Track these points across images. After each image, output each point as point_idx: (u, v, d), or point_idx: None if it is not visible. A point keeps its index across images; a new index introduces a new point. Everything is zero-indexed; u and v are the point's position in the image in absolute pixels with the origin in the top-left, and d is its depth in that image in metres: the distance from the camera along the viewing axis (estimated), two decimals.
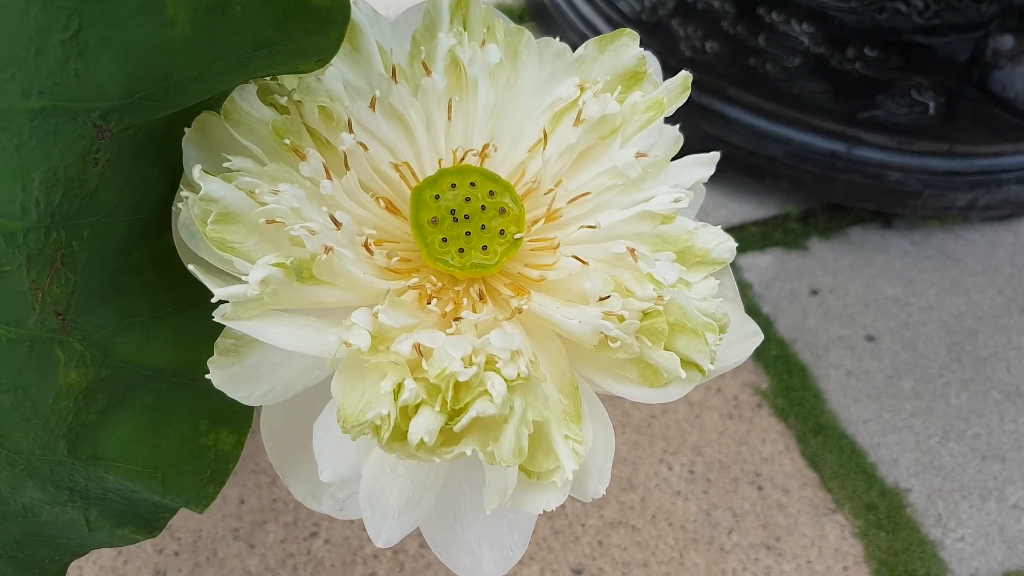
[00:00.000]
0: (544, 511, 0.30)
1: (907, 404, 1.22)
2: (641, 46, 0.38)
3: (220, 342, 0.31)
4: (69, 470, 0.32)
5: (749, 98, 1.24)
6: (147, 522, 0.36)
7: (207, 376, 0.31)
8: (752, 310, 1.26)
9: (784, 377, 1.22)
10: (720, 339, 0.32)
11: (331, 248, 0.29)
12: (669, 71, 0.37)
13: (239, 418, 0.35)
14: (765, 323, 1.26)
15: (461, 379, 0.27)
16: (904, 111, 1.24)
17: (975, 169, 1.25)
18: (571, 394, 0.32)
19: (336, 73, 0.33)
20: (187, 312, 0.33)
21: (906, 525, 1.11)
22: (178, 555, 1.02)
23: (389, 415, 0.27)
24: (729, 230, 1.35)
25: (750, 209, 1.36)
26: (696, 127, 1.24)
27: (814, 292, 1.31)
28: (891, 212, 1.34)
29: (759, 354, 1.23)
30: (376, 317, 0.29)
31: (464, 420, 0.27)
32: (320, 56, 0.29)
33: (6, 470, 0.32)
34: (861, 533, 1.10)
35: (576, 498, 0.32)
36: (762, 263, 1.32)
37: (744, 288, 1.29)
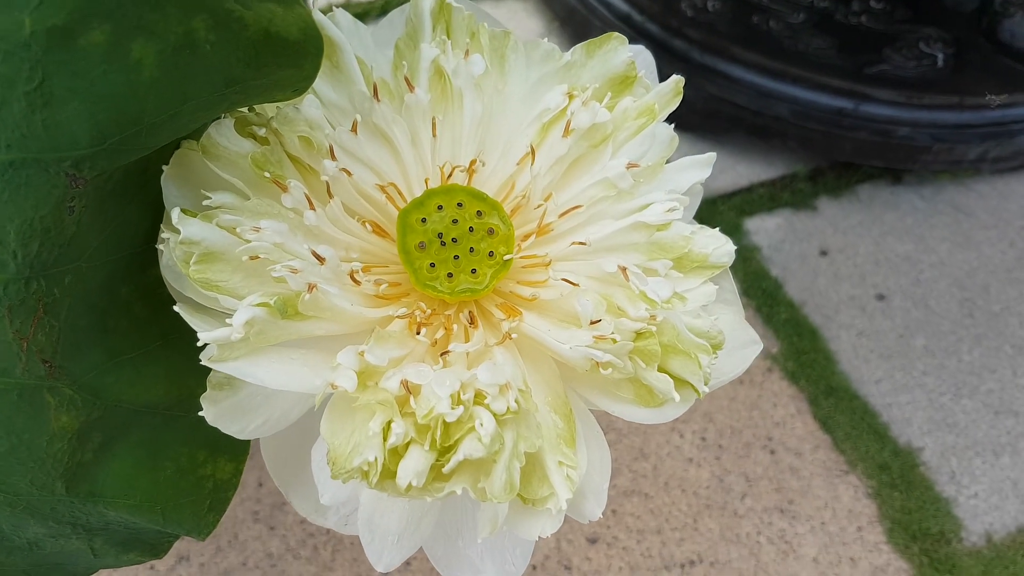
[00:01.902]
0: (540, 537, 0.30)
1: (919, 362, 1.22)
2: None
3: (212, 376, 0.31)
4: (69, 508, 0.32)
5: (753, 57, 1.22)
6: (152, 546, 0.37)
7: (200, 413, 0.31)
8: (761, 273, 1.26)
9: (794, 340, 1.21)
10: (714, 360, 0.31)
11: (315, 285, 0.29)
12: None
13: (237, 446, 0.35)
14: (774, 286, 1.26)
15: (449, 420, 0.27)
16: (912, 64, 1.22)
17: (986, 121, 1.23)
18: (565, 415, 0.32)
19: (314, 100, 0.32)
20: (177, 345, 0.33)
21: (919, 483, 1.12)
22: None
23: (376, 460, 0.27)
24: (736, 192, 1.33)
25: (757, 170, 1.34)
26: (700, 88, 1.22)
27: (823, 253, 1.30)
28: (900, 168, 1.32)
29: (769, 318, 1.23)
30: (362, 356, 0.28)
31: (452, 463, 0.27)
32: (296, 87, 0.29)
33: (6, 511, 0.32)
34: (874, 493, 1.10)
35: (574, 518, 0.32)
36: (770, 225, 1.31)
37: (752, 251, 1.28)
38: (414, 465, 0.27)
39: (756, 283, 1.25)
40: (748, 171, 1.34)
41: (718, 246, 0.36)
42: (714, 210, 1.30)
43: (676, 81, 0.36)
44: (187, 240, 0.29)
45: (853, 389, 1.18)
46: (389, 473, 0.27)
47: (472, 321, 0.32)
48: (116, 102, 0.25)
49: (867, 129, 1.23)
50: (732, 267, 0.36)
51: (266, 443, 0.36)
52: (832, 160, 1.32)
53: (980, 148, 1.26)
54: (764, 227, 1.30)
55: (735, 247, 0.36)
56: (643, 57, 0.40)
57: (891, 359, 1.21)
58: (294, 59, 0.27)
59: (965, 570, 1.04)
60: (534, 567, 1.00)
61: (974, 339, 1.23)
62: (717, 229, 0.37)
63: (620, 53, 0.36)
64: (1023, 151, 1.29)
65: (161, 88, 0.26)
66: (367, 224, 0.33)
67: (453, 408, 0.27)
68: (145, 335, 0.32)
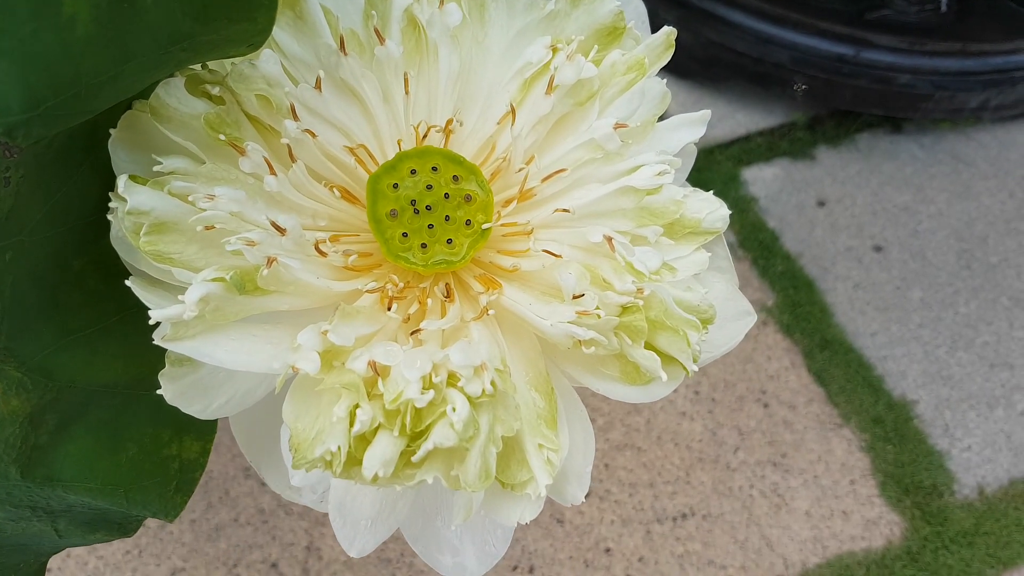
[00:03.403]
0: (519, 523, 0.28)
1: (915, 315, 1.20)
2: None
3: (171, 351, 0.29)
4: (26, 492, 0.31)
5: (753, 2, 1.18)
6: (119, 526, 0.35)
7: (159, 392, 0.29)
8: (758, 225, 1.24)
9: (790, 292, 1.20)
10: (704, 336, 0.29)
11: (275, 259, 0.27)
12: None
13: (204, 423, 0.33)
14: (771, 237, 1.24)
15: (419, 405, 0.25)
16: (915, 9, 1.18)
17: (988, 68, 1.19)
18: (546, 393, 0.30)
19: (272, 56, 0.29)
20: (135, 319, 0.31)
21: (913, 437, 1.11)
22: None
23: (340, 450, 0.25)
24: (734, 141, 1.29)
25: (756, 118, 1.31)
26: (699, 34, 1.18)
27: (821, 203, 1.27)
28: (901, 117, 1.29)
29: (765, 271, 1.21)
30: (326, 335, 0.26)
31: (421, 451, 0.25)
32: (251, 41, 0.26)
33: None
34: (868, 446, 1.10)
35: (556, 500, 0.31)
36: (768, 175, 1.28)
37: (749, 202, 1.25)
38: (381, 453, 0.25)
39: (753, 235, 1.23)
40: (747, 120, 1.31)
41: (711, 211, 0.33)
42: (711, 160, 1.28)
43: (668, 33, 0.33)
44: (135, 210, 0.27)
45: (848, 342, 1.17)
46: (355, 461, 0.26)
47: (448, 294, 0.30)
48: (49, 63, 0.23)
49: (867, 76, 1.20)
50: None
51: (235, 419, 0.35)
52: (831, 108, 1.29)
53: (982, 96, 1.23)
54: (761, 177, 1.27)
55: (729, 212, 0.34)
56: (633, 6, 0.37)
57: (887, 311, 1.20)
58: (246, 11, 0.25)
59: (957, 523, 1.04)
60: None
61: (971, 291, 1.22)
62: (711, 192, 0.34)
63: (607, 2, 0.33)
64: None
65: (98, 46, 0.23)
66: (335, 189, 0.31)
67: (423, 392, 0.25)
68: (101, 310, 0.30)
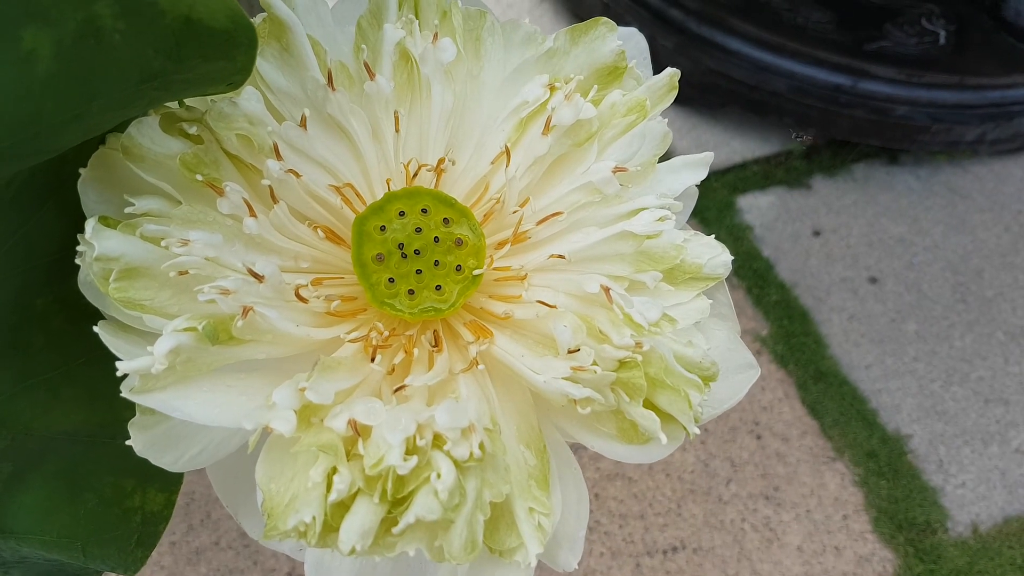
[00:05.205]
0: None
1: (910, 348, 1.19)
2: None
3: None
4: None
5: (751, 30, 1.17)
6: None
7: (128, 442, 0.27)
8: (752, 254, 1.23)
9: (784, 323, 1.19)
10: (706, 397, 0.28)
11: (251, 308, 0.25)
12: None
13: (169, 473, 0.31)
14: (765, 267, 1.22)
15: (401, 472, 0.23)
16: (913, 41, 1.18)
17: (985, 102, 1.19)
18: (539, 450, 0.28)
19: (254, 93, 0.27)
20: (103, 362, 0.29)
21: (907, 472, 1.10)
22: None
23: (315, 520, 0.23)
24: (730, 168, 1.28)
25: (752, 146, 1.30)
26: (697, 61, 1.17)
27: (817, 233, 1.26)
28: (897, 148, 1.29)
29: (759, 300, 1.20)
30: (303, 393, 0.25)
31: (402, 524, 0.23)
32: (230, 80, 0.25)
33: None
34: (861, 481, 1.08)
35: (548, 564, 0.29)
36: (763, 203, 1.27)
37: (744, 230, 1.24)
38: (360, 524, 0.23)
39: (747, 263, 1.22)
40: (743, 147, 1.30)
41: (713, 256, 0.32)
42: (706, 187, 1.27)
43: (671, 75, 0.32)
44: (104, 256, 0.25)
45: (843, 374, 1.16)
46: (331, 529, 0.24)
47: (436, 343, 0.29)
48: (6, 101, 0.21)
49: (865, 107, 1.20)
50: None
51: (211, 465, 0.33)
52: (828, 138, 1.28)
53: (979, 129, 1.22)
54: (757, 205, 1.26)
55: (732, 257, 0.33)
56: (635, 42, 0.35)
57: (882, 344, 1.19)
58: (223, 50, 0.23)
59: (950, 561, 1.02)
60: None
61: (966, 325, 1.21)
62: (712, 236, 0.33)
63: (608, 41, 0.32)
64: (1022, 133, 1.26)
65: (61, 84, 0.21)
66: (319, 230, 0.29)
67: (406, 459, 0.23)
68: (65, 352, 0.29)
